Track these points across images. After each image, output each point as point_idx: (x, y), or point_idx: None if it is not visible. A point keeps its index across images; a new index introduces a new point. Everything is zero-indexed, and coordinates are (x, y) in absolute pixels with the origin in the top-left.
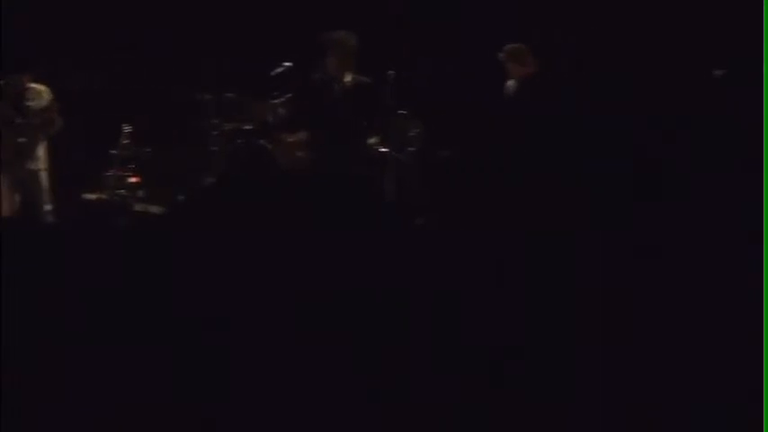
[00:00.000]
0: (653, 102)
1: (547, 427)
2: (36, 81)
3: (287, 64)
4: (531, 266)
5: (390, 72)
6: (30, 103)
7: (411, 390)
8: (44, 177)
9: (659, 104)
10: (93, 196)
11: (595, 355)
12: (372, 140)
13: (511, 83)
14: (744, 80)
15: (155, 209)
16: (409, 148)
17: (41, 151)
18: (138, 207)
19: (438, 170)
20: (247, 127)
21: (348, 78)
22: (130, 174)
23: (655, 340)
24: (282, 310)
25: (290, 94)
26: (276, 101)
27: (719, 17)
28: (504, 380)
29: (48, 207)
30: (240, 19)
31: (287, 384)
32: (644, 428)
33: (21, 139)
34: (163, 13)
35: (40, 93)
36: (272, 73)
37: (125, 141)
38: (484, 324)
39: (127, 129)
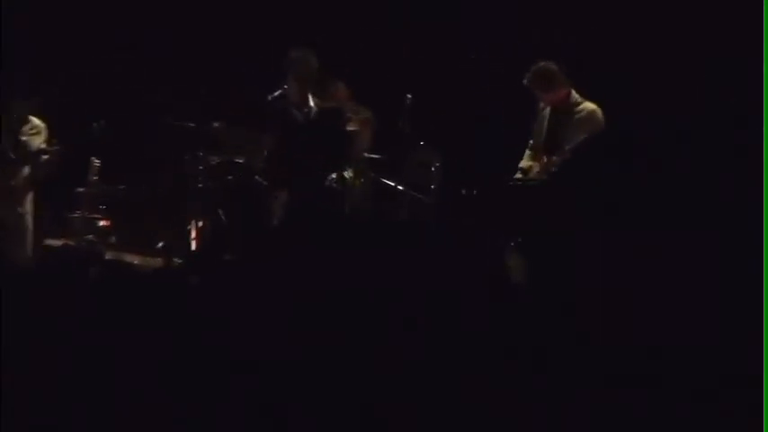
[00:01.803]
0: (653, 102)
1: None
2: (38, 112)
3: (283, 89)
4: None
5: (407, 96)
6: (26, 138)
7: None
8: (29, 222)
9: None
10: (56, 242)
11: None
12: (334, 176)
13: (545, 112)
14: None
15: (130, 258)
16: (429, 186)
17: (30, 194)
18: (110, 255)
19: (462, 211)
20: (238, 160)
21: (310, 104)
22: (100, 216)
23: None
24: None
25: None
26: (269, 131)
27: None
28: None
29: (28, 254)
30: (229, 39)
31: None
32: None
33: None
34: (139, 34)
35: (39, 130)
36: (269, 97)
37: (94, 178)
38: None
39: (96, 163)
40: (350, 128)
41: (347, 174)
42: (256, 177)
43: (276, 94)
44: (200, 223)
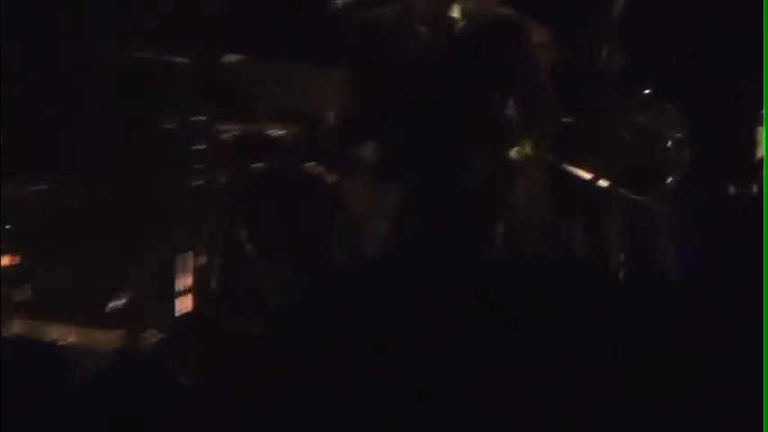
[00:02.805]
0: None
1: None
2: None
3: None
4: None
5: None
6: None
7: None
8: None
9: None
10: None
11: None
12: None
13: None
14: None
15: (57, 331)
16: (659, 178)
17: None
18: (19, 328)
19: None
20: (279, 132)
21: (450, 12)
22: None
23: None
24: None
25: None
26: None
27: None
28: None
29: None
30: None
31: None
32: None
33: None
34: None
35: None
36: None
37: None
38: None
39: None
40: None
41: (520, 151)
42: (321, 167)
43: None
44: (201, 258)
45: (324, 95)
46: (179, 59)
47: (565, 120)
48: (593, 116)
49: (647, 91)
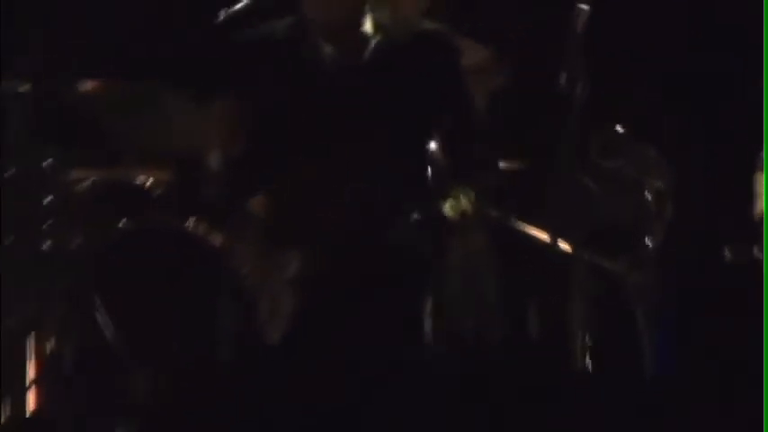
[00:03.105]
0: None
1: None
2: None
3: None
4: None
5: (580, 8)
6: None
7: None
8: None
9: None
10: None
11: None
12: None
13: None
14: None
15: None
16: (636, 240)
17: None
18: None
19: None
20: (147, 179)
21: (368, 27)
22: None
23: None
24: None
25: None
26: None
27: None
28: None
29: None
30: None
31: None
32: None
33: None
34: None
35: None
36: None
37: None
38: None
39: None
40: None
41: (455, 202)
42: (202, 224)
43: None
44: (48, 345)
45: (205, 131)
46: (17, 87)
47: (513, 165)
48: (550, 160)
49: (618, 128)
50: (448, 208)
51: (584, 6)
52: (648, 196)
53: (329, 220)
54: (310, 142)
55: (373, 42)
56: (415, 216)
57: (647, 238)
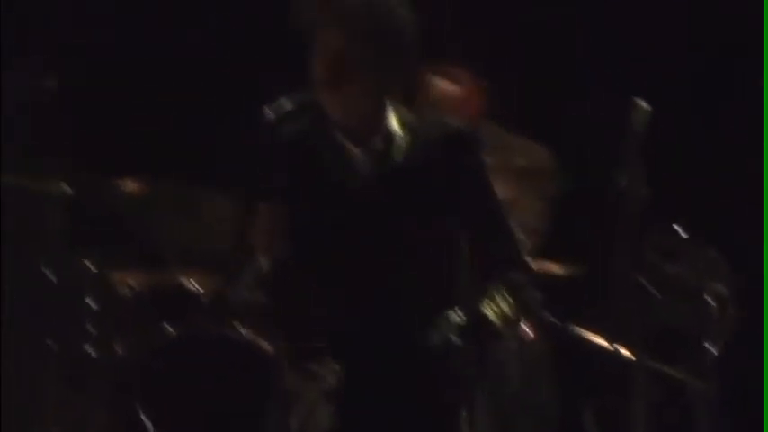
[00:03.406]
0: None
1: None
2: None
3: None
4: None
5: (640, 105)
6: None
7: None
8: None
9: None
10: None
11: None
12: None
13: None
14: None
15: None
16: (698, 346)
17: None
18: None
19: None
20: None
21: (388, 125)
22: None
23: None
24: None
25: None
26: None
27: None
28: None
29: None
30: None
31: None
32: None
33: None
34: None
35: None
36: (269, 118)
37: None
38: None
39: None
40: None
41: (495, 308)
42: (239, 325)
43: (285, 108)
44: None
45: (247, 235)
46: (53, 187)
47: (571, 269)
48: (609, 264)
49: (679, 230)
50: (490, 313)
51: (644, 104)
52: (710, 301)
53: (366, 328)
54: (344, 246)
55: (401, 141)
56: (457, 322)
57: (708, 344)
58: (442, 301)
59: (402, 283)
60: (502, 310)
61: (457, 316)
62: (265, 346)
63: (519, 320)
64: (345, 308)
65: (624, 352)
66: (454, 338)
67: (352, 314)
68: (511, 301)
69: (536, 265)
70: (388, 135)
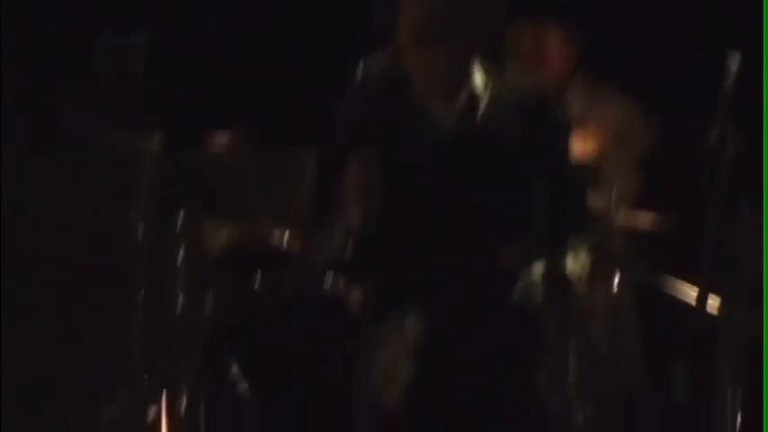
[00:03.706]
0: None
1: None
2: None
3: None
4: None
5: (731, 55)
6: None
7: None
8: None
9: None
10: None
11: None
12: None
13: None
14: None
15: None
16: None
17: None
18: None
19: None
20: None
21: (472, 89)
22: None
23: None
24: None
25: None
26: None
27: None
28: None
29: None
30: None
31: None
32: None
33: None
34: None
35: None
36: (357, 79)
37: None
38: None
39: None
40: (582, 149)
41: (574, 263)
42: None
43: (368, 69)
44: (180, 403)
45: (341, 191)
46: (145, 142)
47: (664, 221)
48: (700, 218)
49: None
50: (571, 265)
51: (735, 53)
52: None
53: (448, 281)
54: (427, 203)
55: (483, 100)
56: (538, 273)
57: None
58: (523, 253)
59: (483, 235)
60: (582, 266)
61: (540, 269)
62: (353, 300)
63: (601, 275)
64: (429, 259)
65: (715, 303)
66: (538, 291)
67: (435, 265)
68: (591, 257)
69: (628, 217)
70: (471, 94)
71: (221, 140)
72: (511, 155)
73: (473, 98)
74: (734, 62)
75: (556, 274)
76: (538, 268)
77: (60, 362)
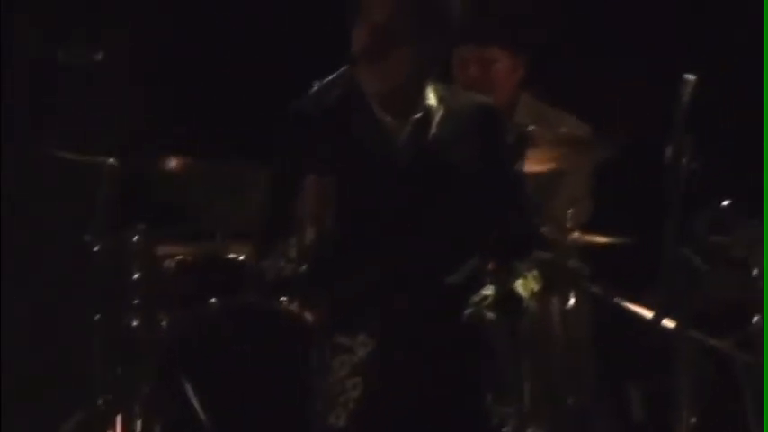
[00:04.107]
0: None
1: None
2: None
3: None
4: None
5: (686, 78)
6: None
7: None
8: None
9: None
10: None
11: None
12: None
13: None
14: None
15: None
16: (744, 318)
17: None
18: None
19: None
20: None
21: (425, 102)
22: None
23: None
24: None
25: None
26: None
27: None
28: None
29: None
30: None
31: None
32: None
33: None
34: None
35: None
36: (309, 94)
37: None
38: None
39: None
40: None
41: (524, 284)
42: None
43: (322, 84)
44: (134, 424)
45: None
46: (103, 160)
47: (617, 241)
48: (656, 236)
49: (725, 202)
50: (519, 287)
51: (691, 77)
52: (756, 273)
53: (398, 300)
54: (381, 219)
55: (437, 114)
56: (489, 291)
57: (755, 316)
58: (474, 270)
59: (437, 252)
60: (531, 286)
61: (489, 290)
62: (307, 317)
63: (555, 293)
64: (382, 277)
65: (670, 324)
66: (487, 312)
67: (387, 283)
68: (539, 277)
69: (580, 235)
70: (426, 108)
71: (174, 161)
72: (465, 168)
73: (428, 112)
74: (689, 84)
75: (506, 291)
76: (488, 286)
77: (18, 381)
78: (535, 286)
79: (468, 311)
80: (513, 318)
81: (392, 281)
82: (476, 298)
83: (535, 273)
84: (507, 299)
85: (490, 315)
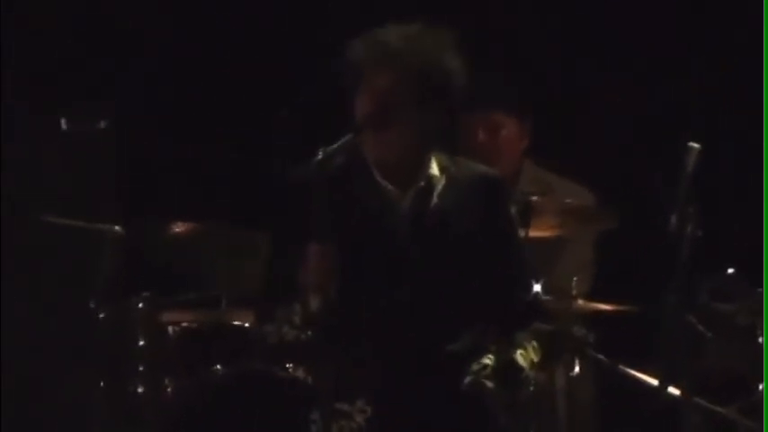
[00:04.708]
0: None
1: None
2: None
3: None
4: None
5: (691, 147)
6: None
7: None
8: None
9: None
10: None
11: None
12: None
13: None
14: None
15: None
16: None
17: None
18: None
19: None
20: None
21: (429, 171)
22: None
23: None
24: None
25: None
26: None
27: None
28: None
29: None
30: None
31: None
32: None
33: None
34: None
35: None
36: (312, 162)
37: None
38: None
39: None
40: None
41: (524, 354)
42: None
43: (326, 151)
44: None
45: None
46: (105, 228)
47: (622, 307)
48: (659, 304)
49: (730, 270)
50: (519, 357)
51: (695, 145)
52: (761, 341)
53: (397, 367)
54: (384, 287)
55: (439, 184)
56: (489, 360)
57: (759, 385)
58: (475, 339)
59: (437, 321)
60: (531, 357)
61: (489, 360)
62: (310, 383)
63: (558, 361)
64: (383, 346)
65: (674, 392)
66: (487, 382)
67: (387, 350)
68: (539, 348)
69: (585, 303)
70: (428, 177)
71: (180, 227)
72: (466, 238)
73: (430, 181)
74: (693, 152)
75: (506, 361)
76: (488, 356)
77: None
78: (535, 357)
79: (467, 380)
80: (513, 388)
81: (392, 348)
82: (476, 367)
83: (535, 344)
84: (507, 369)
85: (489, 384)
